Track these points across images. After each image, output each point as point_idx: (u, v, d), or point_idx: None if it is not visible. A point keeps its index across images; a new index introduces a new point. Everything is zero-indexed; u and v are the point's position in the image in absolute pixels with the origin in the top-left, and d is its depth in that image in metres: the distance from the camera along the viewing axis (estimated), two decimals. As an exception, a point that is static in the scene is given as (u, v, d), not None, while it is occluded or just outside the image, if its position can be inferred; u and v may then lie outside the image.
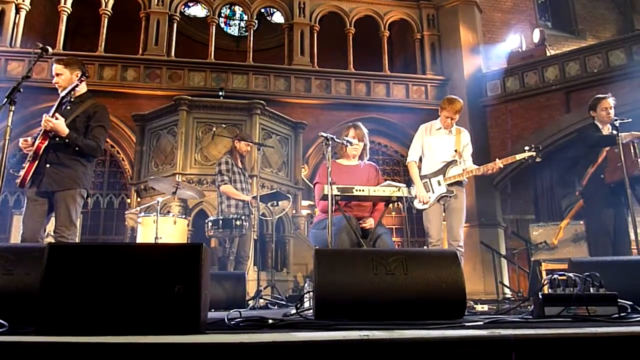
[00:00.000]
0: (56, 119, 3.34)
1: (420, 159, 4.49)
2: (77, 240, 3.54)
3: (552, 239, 5.99)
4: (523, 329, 1.57)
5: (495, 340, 1.39)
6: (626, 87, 8.63)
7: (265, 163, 8.26)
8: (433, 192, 4.25)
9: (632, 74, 8.84)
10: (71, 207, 3.44)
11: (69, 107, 3.56)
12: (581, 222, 5.88)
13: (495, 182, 10.03)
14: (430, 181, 4.29)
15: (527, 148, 4.19)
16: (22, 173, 3.36)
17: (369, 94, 10.78)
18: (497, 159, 4.18)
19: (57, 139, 3.40)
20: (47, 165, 3.41)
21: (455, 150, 4.30)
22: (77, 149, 3.45)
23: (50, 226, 3.92)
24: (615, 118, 4.30)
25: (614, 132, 4.29)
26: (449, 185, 4.21)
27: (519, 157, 4.19)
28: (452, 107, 4.29)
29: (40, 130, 3.38)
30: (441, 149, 4.34)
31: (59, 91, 3.60)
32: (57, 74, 3.61)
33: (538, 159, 4.16)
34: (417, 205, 4.28)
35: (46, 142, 3.37)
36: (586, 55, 9.66)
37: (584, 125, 5.64)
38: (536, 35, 10.79)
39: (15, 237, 6.87)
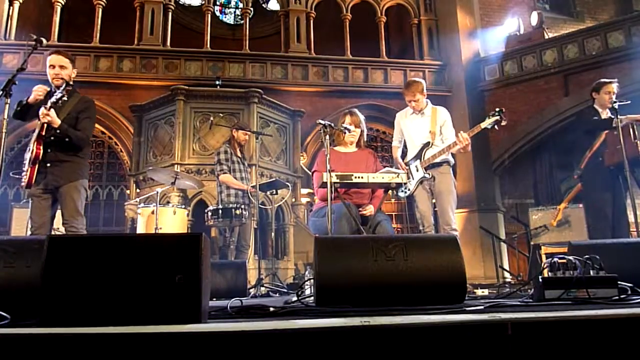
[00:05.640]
0: (50, 109, 3.44)
1: (405, 146, 4.43)
2: (84, 230, 3.66)
3: (550, 221, 6.03)
4: (524, 312, 1.58)
5: (496, 323, 1.39)
6: (625, 69, 8.58)
7: (264, 152, 8.24)
8: (413, 178, 4.18)
9: (631, 56, 8.78)
10: (76, 198, 3.63)
11: (60, 104, 3.62)
12: (580, 206, 5.89)
13: (494, 166, 10.03)
14: (410, 167, 4.22)
15: (491, 114, 4.01)
16: (25, 176, 3.52)
17: (366, 80, 10.72)
18: (460, 132, 4.00)
19: (50, 131, 3.51)
20: (48, 165, 3.55)
21: (430, 132, 4.19)
22: (67, 139, 3.57)
23: (58, 222, 4.11)
24: (615, 100, 4.27)
25: (612, 115, 4.27)
26: (425, 168, 4.13)
27: (483, 125, 4.01)
28: (409, 90, 4.20)
29: (35, 134, 3.51)
30: (417, 132, 4.27)
31: (55, 83, 3.64)
32: (62, 66, 3.66)
33: (504, 122, 3.98)
34: (400, 193, 4.22)
35: (42, 145, 3.51)
36: (584, 38, 9.58)
37: (581, 108, 5.61)
38: (534, 18, 10.70)
39: (16, 230, 6.88)
